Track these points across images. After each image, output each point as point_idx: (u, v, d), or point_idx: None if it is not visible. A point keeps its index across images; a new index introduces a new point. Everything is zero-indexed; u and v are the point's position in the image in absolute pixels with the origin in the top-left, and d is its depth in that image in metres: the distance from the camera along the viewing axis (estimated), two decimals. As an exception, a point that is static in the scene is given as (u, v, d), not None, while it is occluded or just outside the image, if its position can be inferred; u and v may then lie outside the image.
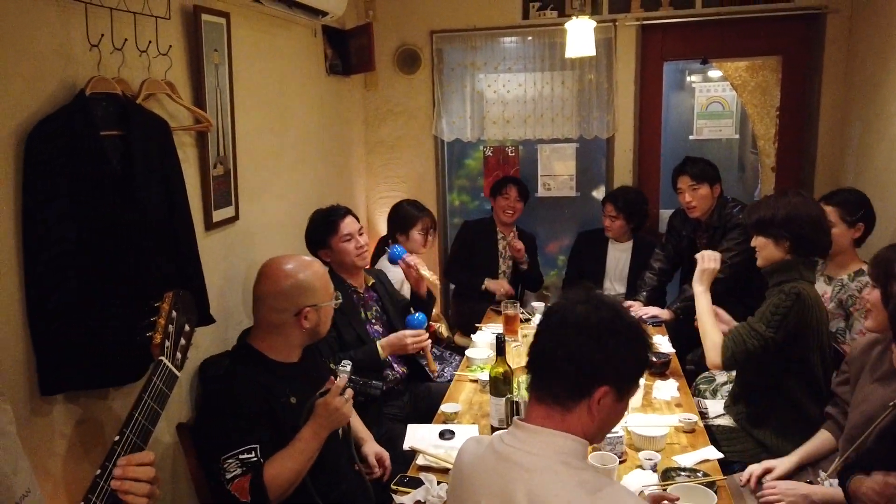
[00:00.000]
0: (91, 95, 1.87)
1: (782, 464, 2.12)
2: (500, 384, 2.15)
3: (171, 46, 2.27)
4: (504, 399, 2.12)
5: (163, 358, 1.33)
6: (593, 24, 3.03)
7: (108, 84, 1.94)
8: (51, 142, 1.75)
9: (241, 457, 1.75)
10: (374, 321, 2.81)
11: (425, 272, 2.93)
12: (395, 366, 2.87)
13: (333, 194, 3.95)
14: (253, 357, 1.94)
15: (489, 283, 3.85)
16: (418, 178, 4.46)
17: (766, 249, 2.41)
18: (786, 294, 2.25)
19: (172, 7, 2.30)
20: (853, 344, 2.19)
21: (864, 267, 2.67)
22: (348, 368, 1.94)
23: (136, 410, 1.20)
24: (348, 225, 2.75)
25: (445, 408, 2.31)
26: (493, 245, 3.99)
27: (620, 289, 3.86)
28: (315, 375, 2.01)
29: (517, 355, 2.82)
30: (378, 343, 2.63)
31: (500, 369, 2.18)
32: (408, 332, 2.70)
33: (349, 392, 1.88)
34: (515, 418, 1.36)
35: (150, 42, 2.16)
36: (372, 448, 2.27)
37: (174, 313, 1.40)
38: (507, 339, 2.94)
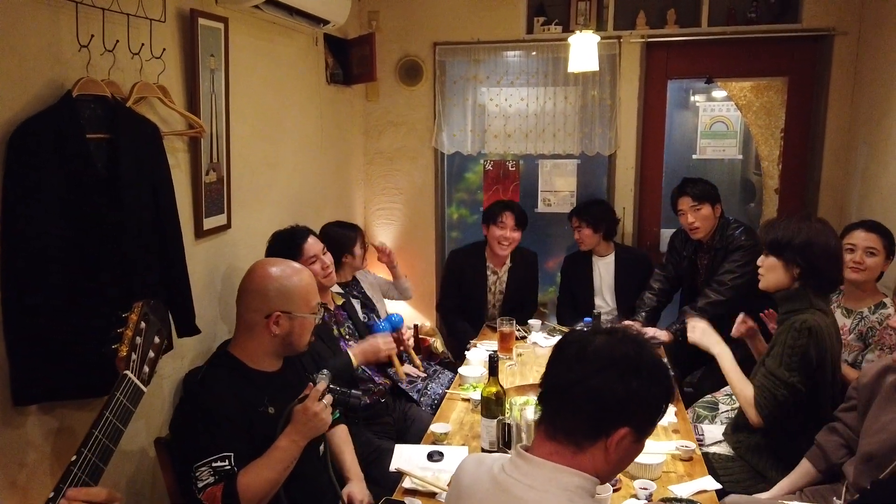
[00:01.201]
0: (78, 97, 1.83)
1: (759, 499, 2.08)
2: (491, 405, 2.08)
3: (164, 50, 2.22)
4: (496, 421, 2.05)
5: (128, 372, 1.26)
6: (597, 38, 2.99)
7: (97, 86, 1.90)
8: (34, 142, 1.71)
9: (214, 465, 1.69)
10: (347, 337, 2.76)
11: (413, 355, 2.98)
12: (377, 378, 2.80)
13: (330, 205, 3.91)
14: (230, 363, 1.89)
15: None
16: (417, 191, 4.40)
17: (773, 272, 2.31)
18: (797, 331, 2.15)
19: (168, 10, 2.26)
20: (863, 369, 2.11)
21: (886, 300, 2.61)
22: (328, 375, 1.87)
23: (95, 428, 1.13)
24: (312, 246, 2.68)
25: (435, 427, 2.24)
26: (481, 281, 3.74)
27: (612, 303, 3.80)
28: (297, 387, 1.93)
29: (510, 374, 2.76)
30: (350, 352, 2.56)
31: (493, 389, 2.11)
32: (378, 336, 2.64)
33: (328, 398, 1.81)
34: (518, 446, 1.28)
35: (142, 44, 2.12)
36: (355, 489, 2.09)
37: (143, 325, 1.33)
38: (500, 357, 2.88)
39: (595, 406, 1.20)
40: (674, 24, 3.92)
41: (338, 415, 2.20)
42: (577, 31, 2.96)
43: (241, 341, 1.91)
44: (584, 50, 2.96)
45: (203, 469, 1.69)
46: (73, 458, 1.08)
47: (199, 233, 2.54)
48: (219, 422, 1.74)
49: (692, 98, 4.22)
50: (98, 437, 1.12)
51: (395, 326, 2.80)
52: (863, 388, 2.03)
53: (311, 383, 1.83)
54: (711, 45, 3.92)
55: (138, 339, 1.30)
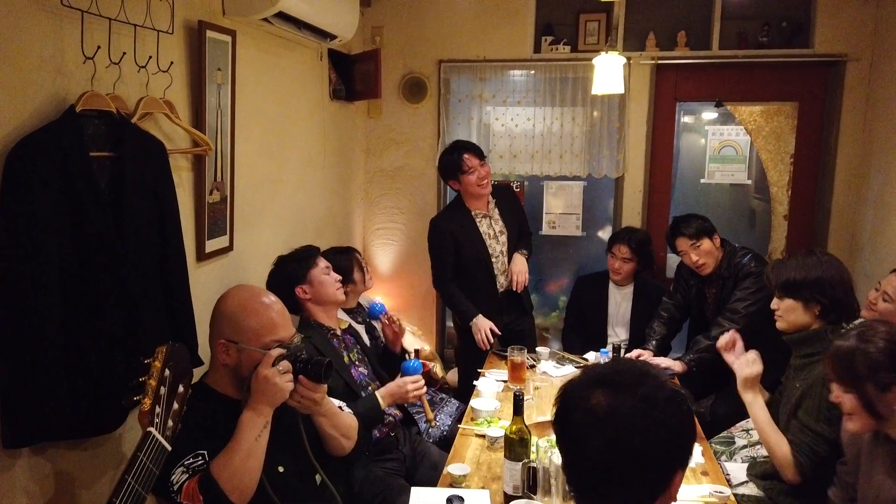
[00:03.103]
0: (82, 112, 1.70)
1: None
2: (516, 446, 1.96)
3: (172, 63, 2.10)
4: (521, 464, 1.93)
5: (152, 429, 1.11)
6: (623, 60, 2.89)
7: (102, 100, 1.77)
8: (34, 161, 1.58)
9: (186, 463, 1.56)
10: (357, 363, 2.63)
11: (406, 326, 2.78)
12: (387, 409, 2.66)
13: (331, 225, 3.78)
14: (203, 392, 1.74)
15: (476, 323, 3.26)
16: (418, 211, 4.29)
17: (793, 314, 2.27)
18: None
19: (176, 21, 2.14)
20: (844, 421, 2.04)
21: None
22: (292, 343, 1.75)
23: (116, 497, 0.99)
24: (323, 260, 2.63)
25: (452, 469, 2.10)
26: (476, 232, 3.32)
27: (623, 335, 3.69)
28: (281, 417, 1.73)
29: (526, 408, 2.62)
30: (377, 393, 2.43)
31: (516, 428, 1.99)
32: (407, 379, 2.52)
33: (285, 365, 1.67)
34: None
35: (150, 57, 2.00)
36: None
37: (167, 372, 1.19)
38: (511, 387, 2.77)
39: (648, 473, 1.09)
40: (684, 46, 3.86)
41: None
42: (603, 52, 2.86)
43: (210, 369, 1.81)
44: (609, 72, 2.86)
45: (177, 470, 1.55)
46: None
47: (202, 255, 2.41)
48: (189, 427, 1.59)
49: (701, 121, 4.16)
50: (119, 508, 0.98)
51: (418, 370, 2.67)
52: (848, 442, 1.98)
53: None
54: (722, 68, 3.87)
55: (162, 389, 1.16)
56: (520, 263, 3.36)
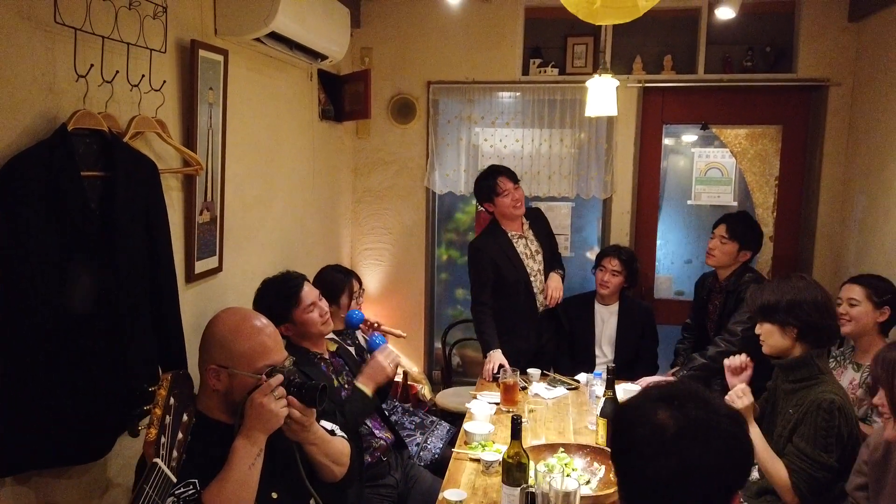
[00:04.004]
0: (74, 130, 1.67)
1: None
2: (514, 471, 1.93)
3: (164, 82, 2.08)
4: (519, 489, 1.89)
5: (157, 460, 1.07)
6: (616, 83, 2.91)
7: (94, 119, 1.74)
8: (24, 180, 1.55)
9: (177, 492, 1.49)
10: (346, 387, 2.58)
11: (388, 328, 2.80)
12: (377, 432, 2.62)
13: (319, 246, 3.75)
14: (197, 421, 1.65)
15: (491, 355, 3.26)
16: (406, 231, 4.27)
17: (772, 337, 2.29)
18: (827, 412, 2.08)
19: (169, 41, 2.12)
20: (871, 444, 2.03)
21: None
22: (286, 368, 1.71)
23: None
24: (309, 294, 2.48)
25: (448, 494, 2.06)
26: (513, 253, 3.38)
27: (609, 354, 3.67)
28: (274, 443, 1.69)
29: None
30: (358, 384, 2.38)
31: (514, 451, 1.96)
32: (378, 356, 2.48)
33: (280, 391, 1.63)
34: None
35: (142, 76, 1.97)
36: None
37: (172, 401, 1.14)
38: (504, 410, 2.74)
39: (713, 493, 1.08)
40: (670, 69, 3.91)
41: None
42: (596, 75, 2.88)
43: (199, 393, 1.73)
44: (602, 94, 2.87)
45: (168, 500, 1.44)
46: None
47: (191, 277, 2.37)
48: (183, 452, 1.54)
49: (687, 143, 4.20)
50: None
51: (383, 342, 2.66)
52: (874, 465, 1.95)
53: (264, 375, 1.66)
54: (707, 91, 3.92)
55: (167, 419, 1.11)
56: (556, 280, 3.46)
